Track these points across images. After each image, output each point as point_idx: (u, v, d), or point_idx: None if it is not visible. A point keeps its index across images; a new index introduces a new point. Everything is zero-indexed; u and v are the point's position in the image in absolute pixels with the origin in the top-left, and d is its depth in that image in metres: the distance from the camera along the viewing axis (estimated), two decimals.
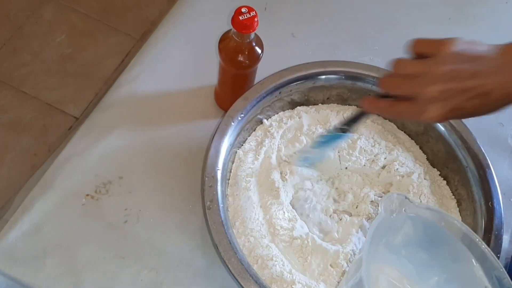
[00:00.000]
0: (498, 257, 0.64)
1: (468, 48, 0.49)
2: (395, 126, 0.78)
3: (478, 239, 0.58)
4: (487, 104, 0.48)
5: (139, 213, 0.68)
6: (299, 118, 0.75)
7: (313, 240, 0.64)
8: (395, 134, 0.77)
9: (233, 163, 0.71)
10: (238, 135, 0.70)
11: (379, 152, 0.74)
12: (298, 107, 0.77)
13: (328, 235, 0.68)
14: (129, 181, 0.71)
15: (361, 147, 0.73)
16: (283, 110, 0.77)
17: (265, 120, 0.74)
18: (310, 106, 0.77)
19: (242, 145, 0.73)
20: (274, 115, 0.76)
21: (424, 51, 0.50)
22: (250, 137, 0.73)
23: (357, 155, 0.72)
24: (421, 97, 0.49)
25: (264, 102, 0.73)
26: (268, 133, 0.73)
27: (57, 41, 1.71)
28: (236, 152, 0.71)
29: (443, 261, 0.61)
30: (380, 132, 0.76)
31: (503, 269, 0.55)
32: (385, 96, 0.54)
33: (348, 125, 0.63)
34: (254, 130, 0.74)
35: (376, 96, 0.55)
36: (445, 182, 0.74)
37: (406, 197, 0.59)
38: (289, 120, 0.75)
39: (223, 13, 0.86)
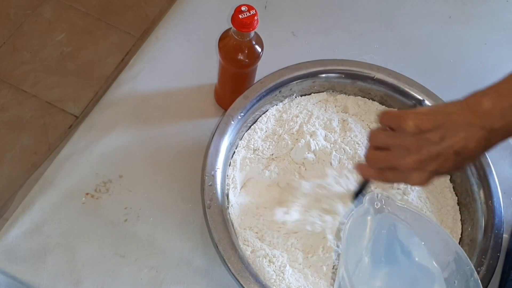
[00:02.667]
0: (498, 256, 0.64)
1: (428, 115, 0.51)
2: None
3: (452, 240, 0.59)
4: (463, 159, 0.51)
5: (139, 212, 0.68)
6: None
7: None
8: None
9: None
10: (238, 133, 0.70)
11: None
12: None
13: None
14: (129, 180, 0.71)
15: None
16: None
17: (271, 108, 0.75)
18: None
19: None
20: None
21: (389, 124, 0.54)
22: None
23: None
24: (400, 168, 0.53)
25: (264, 100, 0.73)
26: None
27: (57, 40, 1.71)
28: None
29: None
30: None
31: (474, 271, 0.57)
32: None
33: (360, 192, 0.65)
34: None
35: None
36: (448, 179, 0.74)
37: (388, 197, 0.61)
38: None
39: (223, 11, 0.86)
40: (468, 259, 0.57)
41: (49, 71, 1.64)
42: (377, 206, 0.61)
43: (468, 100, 0.51)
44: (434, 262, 0.60)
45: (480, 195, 0.68)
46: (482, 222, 0.67)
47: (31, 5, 1.77)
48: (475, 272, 0.56)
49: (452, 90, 0.80)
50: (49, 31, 1.72)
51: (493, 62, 0.91)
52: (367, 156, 0.57)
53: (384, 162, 0.54)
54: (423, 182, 0.53)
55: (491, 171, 0.69)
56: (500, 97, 0.49)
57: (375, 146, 0.55)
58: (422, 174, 0.52)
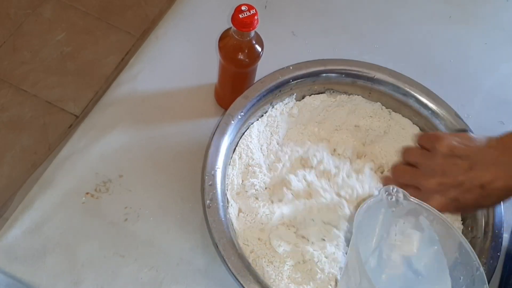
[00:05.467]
0: (498, 256, 0.64)
1: (462, 143, 0.51)
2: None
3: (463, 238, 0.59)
4: (486, 196, 0.51)
5: (139, 211, 0.68)
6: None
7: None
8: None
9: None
10: (238, 133, 0.70)
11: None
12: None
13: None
14: (129, 179, 0.71)
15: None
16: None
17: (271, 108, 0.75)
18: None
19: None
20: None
21: (424, 145, 0.55)
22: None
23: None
24: (423, 188, 0.53)
25: (264, 100, 0.73)
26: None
27: (57, 39, 1.71)
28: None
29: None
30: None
31: (480, 265, 0.57)
32: None
33: None
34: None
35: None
36: None
37: (403, 192, 0.61)
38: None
39: (223, 11, 0.86)
40: (475, 255, 0.57)
41: (49, 71, 1.64)
42: (391, 199, 0.61)
43: (505, 140, 0.50)
44: (444, 259, 0.60)
45: None
46: (482, 222, 0.66)
47: (31, 4, 1.77)
48: (481, 267, 0.56)
49: (452, 90, 0.80)
50: (49, 30, 1.72)
51: (493, 62, 0.91)
52: (394, 168, 0.58)
53: (408, 177, 0.55)
54: (441, 207, 0.53)
55: None
56: None
57: (406, 161, 0.56)
58: (442, 199, 0.52)
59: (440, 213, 0.61)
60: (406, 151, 0.57)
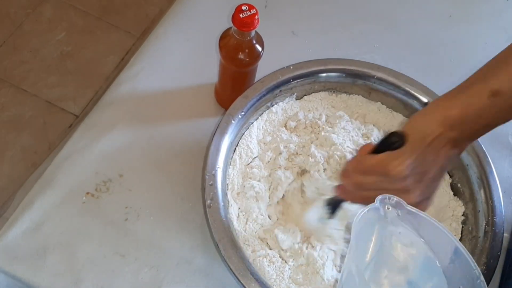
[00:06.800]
0: (499, 256, 0.64)
1: (405, 155, 0.53)
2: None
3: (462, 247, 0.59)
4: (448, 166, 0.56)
5: (139, 211, 0.68)
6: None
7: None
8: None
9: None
10: (238, 133, 0.70)
11: None
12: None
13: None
14: (129, 179, 0.71)
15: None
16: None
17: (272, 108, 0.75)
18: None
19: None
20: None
21: (374, 174, 0.55)
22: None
23: None
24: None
25: (264, 100, 0.73)
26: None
27: (57, 39, 1.71)
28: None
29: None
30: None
31: (481, 274, 0.57)
32: None
33: (331, 211, 0.65)
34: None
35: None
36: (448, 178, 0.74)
37: (399, 201, 0.60)
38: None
39: (223, 10, 0.86)
40: (476, 265, 0.56)
41: (49, 70, 1.64)
42: (388, 208, 0.60)
43: (435, 110, 0.55)
44: (441, 270, 0.59)
45: (480, 194, 0.68)
46: (483, 221, 0.67)
47: (31, 4, 1.77)
48: (482, 276, 0.55)
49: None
50: (49, 30, 1.72)
51: None
52: (357, 196, 0.59)
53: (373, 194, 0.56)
54: (428, 207, 0.57)
55: (492, 170, 0.69)
56: (467, 105, 0.53)
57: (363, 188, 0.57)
58: (428, 202, 0.57)
59: (437, 221, 0.60)
60: (358, 181, 0.57)
